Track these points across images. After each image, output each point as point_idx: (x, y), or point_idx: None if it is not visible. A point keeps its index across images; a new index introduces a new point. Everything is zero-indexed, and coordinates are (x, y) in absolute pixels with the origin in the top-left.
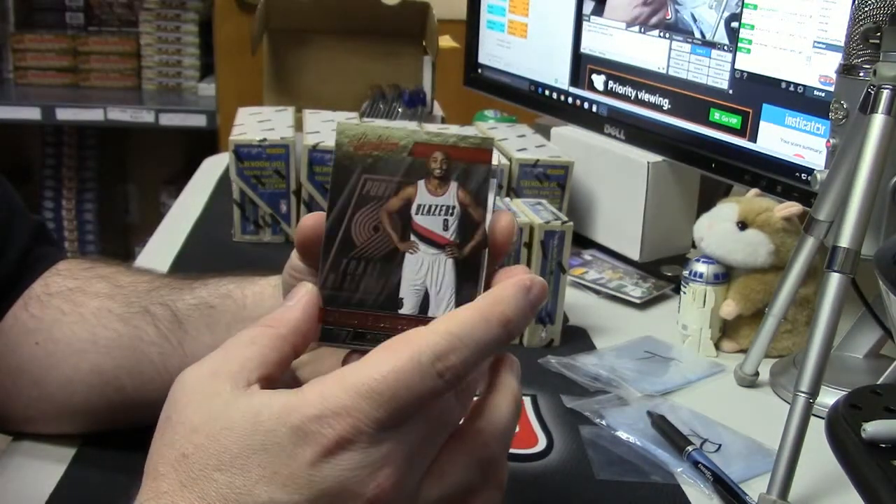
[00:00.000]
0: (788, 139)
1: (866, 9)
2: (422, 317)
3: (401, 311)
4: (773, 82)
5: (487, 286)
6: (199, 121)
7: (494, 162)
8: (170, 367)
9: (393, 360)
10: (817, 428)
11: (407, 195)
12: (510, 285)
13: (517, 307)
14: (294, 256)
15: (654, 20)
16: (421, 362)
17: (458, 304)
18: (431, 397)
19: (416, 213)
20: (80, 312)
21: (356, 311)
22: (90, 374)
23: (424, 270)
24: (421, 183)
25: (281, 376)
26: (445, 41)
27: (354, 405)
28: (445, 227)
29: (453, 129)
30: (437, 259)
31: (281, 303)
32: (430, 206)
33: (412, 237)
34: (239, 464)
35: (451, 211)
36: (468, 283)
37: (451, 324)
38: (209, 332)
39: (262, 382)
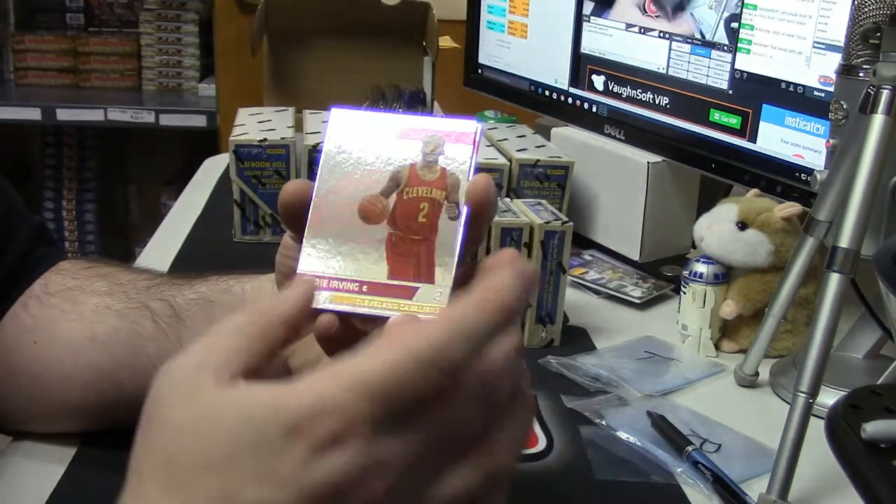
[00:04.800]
0: (788, 139)
1: (866, 9)
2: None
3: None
4: (773, 82)
5: (473, 257)
6: (199, 121)
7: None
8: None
9: (391, 354)
10: (817, 428)
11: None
12: (507, 274)
13: (515, 295)
14: (286, 237)
15: (658, 17)
16: (420, 358)
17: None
18: (431, 394)
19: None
20: (79, 311)
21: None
22: (88, 371)
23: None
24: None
25: (268, 367)
26: (445, 41)
27: (349, 401)
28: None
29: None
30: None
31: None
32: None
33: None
34: (227, 464)
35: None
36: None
37: (452, 315)
38: (208, 327)
39: (247, 374)
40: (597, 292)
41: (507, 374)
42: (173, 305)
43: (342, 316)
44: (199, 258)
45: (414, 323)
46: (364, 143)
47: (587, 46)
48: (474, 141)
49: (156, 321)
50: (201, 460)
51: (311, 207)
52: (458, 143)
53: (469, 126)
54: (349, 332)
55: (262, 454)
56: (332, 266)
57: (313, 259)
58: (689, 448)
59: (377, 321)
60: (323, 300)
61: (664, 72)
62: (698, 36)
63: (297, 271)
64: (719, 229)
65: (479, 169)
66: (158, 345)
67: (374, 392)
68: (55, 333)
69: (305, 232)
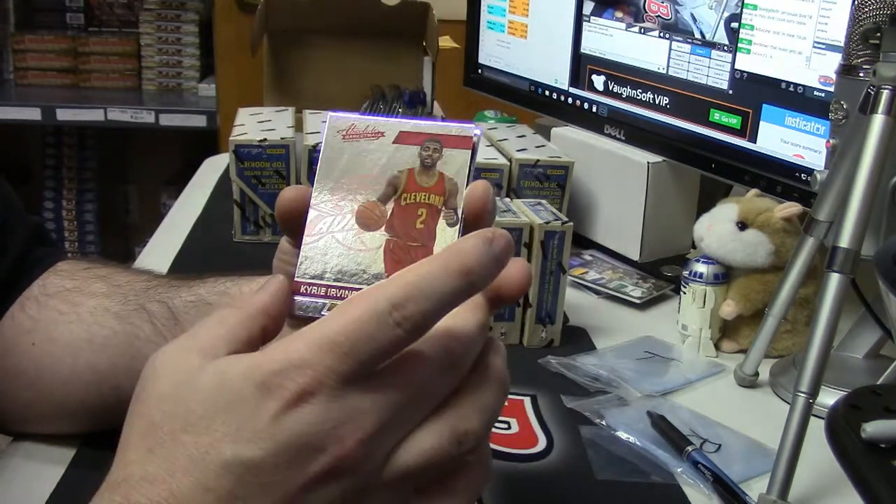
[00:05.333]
0: (788, 139)
1: (866, 9)
2: None
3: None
4: (773, 82)
5: None
6: (199, 121)
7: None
8: None
9: (351, 311)
10: (817, 428)
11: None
12: (471, 236)
13: (478, 257)
14: (283, 241)
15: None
16: (378, 312)
17: None
18: (392, 348)
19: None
20: (77, 312)
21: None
22: (86, 373)
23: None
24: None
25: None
26: (445, 41)
27: (315, 358)
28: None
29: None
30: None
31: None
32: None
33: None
34: (205, 423)
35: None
36: None
37: (409, 275)
38: None
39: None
40: (597, 292)
41: (468, 341)
42: (171, 308)
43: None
44: (199, 258)
45: (379, 283)
46: (361, 148)
47: (587, 46)
48: (472, 145)
49: (154, 323)
50: (181, 423)
51: (307, 214)
52: (456, 148)
53: (467, 130)
54: None
55: (237, 412)
56: (329, 273)
57: (311, 266)
58: (689, 448)
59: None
60: (321, 308)
61: (664, 72)
62: (697, 36)
63: (295, 278)
64: (719, 229)
65: (480, 170)
66: (156, 347)
67: (338, 346)
68: (53, 335)
69: (303, 239)
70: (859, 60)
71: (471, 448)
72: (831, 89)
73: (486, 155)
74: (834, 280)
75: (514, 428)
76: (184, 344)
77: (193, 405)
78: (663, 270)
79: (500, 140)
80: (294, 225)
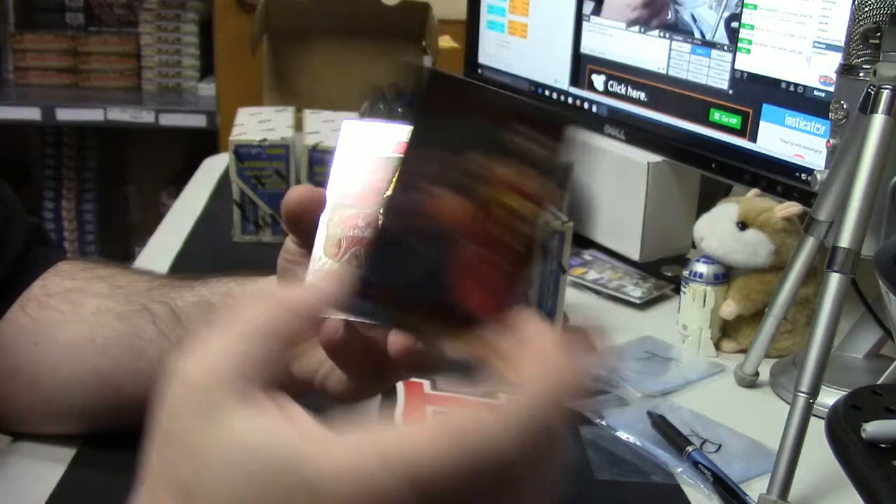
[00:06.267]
0: (788, 139)
1: (866, 9)
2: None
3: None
4: (773, 82)
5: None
6: (199, 121)
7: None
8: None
9: (442, 440)
10: (817, 428)
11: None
12: (570, 364)
13: (585, 381)
14: (289, 240)
15: (654, 22)
16: (478, 457)
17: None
18: (475, 490)
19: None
20: (78, 312)
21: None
22: (88, 374)
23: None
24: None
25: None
26: (445, 41)
27: (391, 489)
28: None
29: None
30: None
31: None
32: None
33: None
34: None
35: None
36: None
37: (520, 410)
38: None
39: (267, 385)
40: (597, 292)
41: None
42: (173, 308)
43: (346, 322)
44: (199, 258)
45: (476, 408)
46: (373, 154)
47: (587, 46)
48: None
49: (156, 324)
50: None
51: (320, 224)
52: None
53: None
54: (354, 339)
55: None
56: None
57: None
58: (689, 448)
59: (381, 327)
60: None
61: (664, 72)
62: (697, 35)
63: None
64: (719, 229)
65: None
66: (159, 347)
67: (418, 481)
68: (55, 335)
69: (316, 246)
70: (859, 60)
71: None
72: (831, 89)
73: None
74: (834, 280)
75: None
76: (216, 372)
77: (234, 487)
78: (663, 270)
79: None
80: (300, 225)
